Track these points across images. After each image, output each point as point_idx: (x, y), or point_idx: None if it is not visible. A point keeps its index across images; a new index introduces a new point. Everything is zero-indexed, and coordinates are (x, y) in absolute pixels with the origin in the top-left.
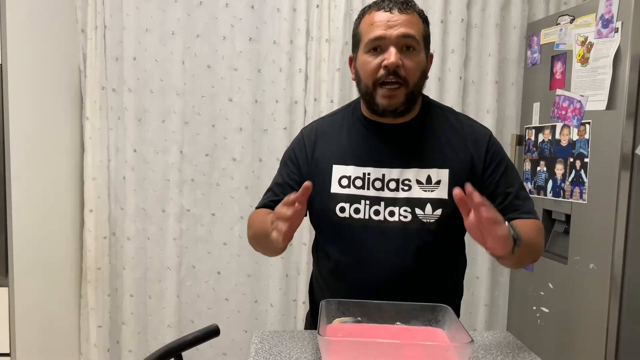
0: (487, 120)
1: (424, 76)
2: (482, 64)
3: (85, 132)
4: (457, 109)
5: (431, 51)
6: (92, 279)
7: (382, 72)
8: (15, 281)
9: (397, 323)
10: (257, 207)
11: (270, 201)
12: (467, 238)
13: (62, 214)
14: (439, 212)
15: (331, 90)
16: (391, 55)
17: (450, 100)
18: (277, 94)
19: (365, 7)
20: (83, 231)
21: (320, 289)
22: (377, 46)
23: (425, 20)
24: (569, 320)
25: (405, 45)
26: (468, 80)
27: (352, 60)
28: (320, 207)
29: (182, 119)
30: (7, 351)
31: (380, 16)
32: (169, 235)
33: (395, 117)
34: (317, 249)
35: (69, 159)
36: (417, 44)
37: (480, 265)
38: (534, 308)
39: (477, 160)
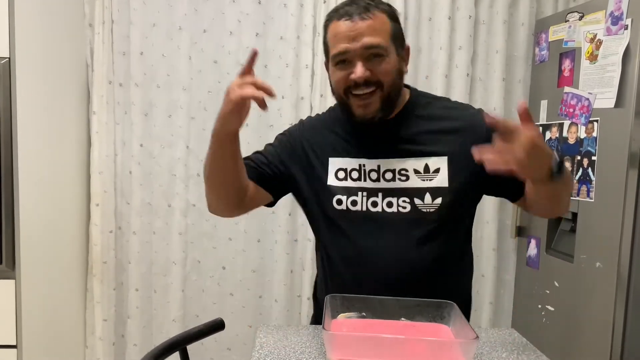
0: None
1: (400, 75)
2: (490, 61)
3: (92, 126)
4: None
5: (407, 44)
6: (98, 273)
7: (351, 83)
8: (22, 274)
9: (402, 319)
10: None
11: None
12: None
13: (68, 208)
14: (438, 200)
15: None
16: (357, 70)
17: (457, 96)
18: (283, 89)
19: (329, 13)
20: (89, 225)
21: (322, 292)
22: (344, 59)
23: (392, 17)
24: (574, 319)
25: (371, 54)
26: (475, 77)
27: (327, 66)
28: (316, 201)
29: (188, 114)
30: (14, 343)
31: (342, 27)
32: (174, 229)
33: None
34: (318, 249)
35: (75, 153)
36: (385, 50)
37: (485, 263)
38: (539, 306)
39: (479, 142)
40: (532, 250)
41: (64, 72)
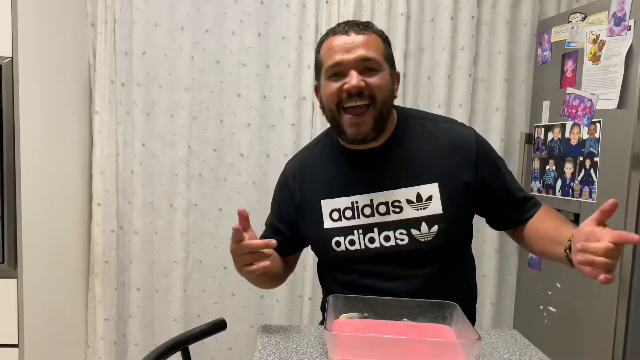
0: (496, 118)
1: (391, 95)
2: (492, 61)
3: (94, 126)
4: (466, 106)
5: (397, 70)
6: (100, 272)
7: (344, 95)
8: (23, 273)
9: (404, 319)
10: None
11: None
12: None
13: (70, 207)
14: (435, 228)
15: None
16: (352, 78)
17: (459, 97)
18: (285, 89)
19: (323, 35)
20: (91, 224)
21: None
22: (338, 72)
23: (385, 40)
24: (576, 320)
25: (366, 67)
26: (477, 78)
27: (317, 90)
28: (317, 244)
29: (190, 113)
30: (16, 342)
31: (338, 40)
32: (176, 229)
33: (365, 144)
34: (323, 279)
35: (77, 152)
36: (379, 65)
37: (487, 264)
38: (541, 307)
39: (467, 165)
40: None
41: (67, 72)
